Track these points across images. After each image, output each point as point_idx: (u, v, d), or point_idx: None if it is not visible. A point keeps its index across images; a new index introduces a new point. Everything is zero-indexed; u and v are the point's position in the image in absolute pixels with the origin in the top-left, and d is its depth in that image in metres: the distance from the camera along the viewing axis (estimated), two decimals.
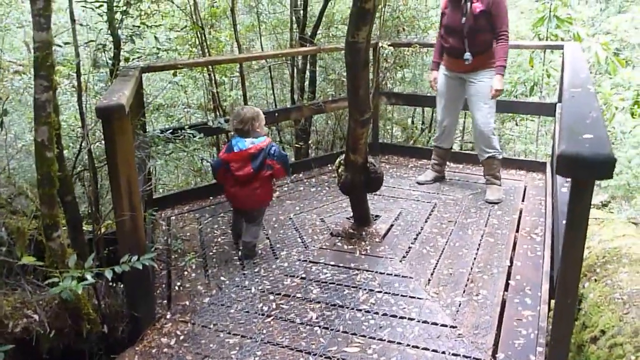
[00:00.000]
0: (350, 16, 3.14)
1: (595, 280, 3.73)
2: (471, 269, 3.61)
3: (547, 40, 6.69)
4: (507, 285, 3.43)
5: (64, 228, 3.06)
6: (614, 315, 3.14)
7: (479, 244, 3.94)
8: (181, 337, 3.02)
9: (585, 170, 1.58)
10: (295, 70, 6.41)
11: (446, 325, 3.00)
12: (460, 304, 3.21)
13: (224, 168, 3.75)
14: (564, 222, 1.92)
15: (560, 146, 1.62)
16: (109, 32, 3.75)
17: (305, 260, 3.79)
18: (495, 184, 4.80)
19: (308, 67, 6.42)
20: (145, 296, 3.11)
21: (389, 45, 5.64)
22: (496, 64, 4.49)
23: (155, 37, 4.20)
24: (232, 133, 3.93)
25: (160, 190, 6.58)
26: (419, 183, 5.18)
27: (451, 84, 4.82)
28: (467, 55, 4.51)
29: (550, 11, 6.56)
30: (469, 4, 4.43)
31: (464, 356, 2.75)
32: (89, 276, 2.36)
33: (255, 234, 3.91)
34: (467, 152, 6.28)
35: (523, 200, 4.76)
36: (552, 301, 2.97)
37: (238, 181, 3.71)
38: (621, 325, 2.96)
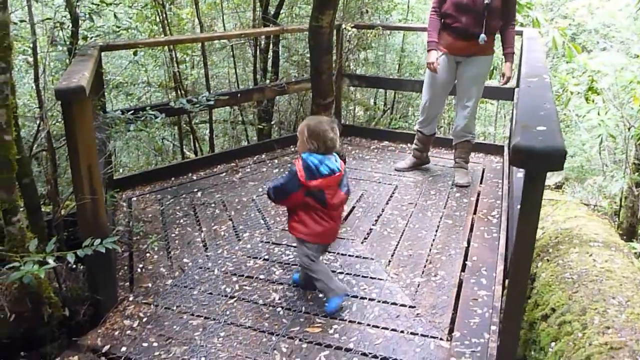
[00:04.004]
0: (314, 1, 3.15)
1: (548, 260, 3.87)
2: (430, 250, 3.72)
3: None
4: (464, 266, 3.54)
5: (22, 209, 3.01)
6: (564, 294, 3.27)
7: (438, 226, 4.05)
8: (144, 319, 3.03)
9: (537, 162, 1.65)
10: (257, 50, 6.36)
11: (405, 305, 3.09)
12: (419, 285, 3.31)
13: (301, 194, 2.93)
14: (519, 206, 2.00)
15: (514, 138, 1.69)
16: (67, 9, 3.66)
17: (268, 242, 3.82)
18: (464, 167, 4.86)
19: (271, 47, 6.37)
20: (107, 279, 3.10)
21: (352, 27, 5.64)
22: (506, 50, 4.48)
23: (115, 15, 4.12)
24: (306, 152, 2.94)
25: (121, 171, 6.49)
26: (397, 170, 5.11)
27: (448, 68, 4.62)
28: (483, 36, 4.33)
29: None
30: None
31: (421, 335, 2.85)
32: (50, 260, 2.35)
33: None
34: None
35: (481, 183, 4.89)
36: (507, 281, 3.09)
37: (329, 210, 3.00)
38: (570, 303, 3.08)
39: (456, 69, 4.63)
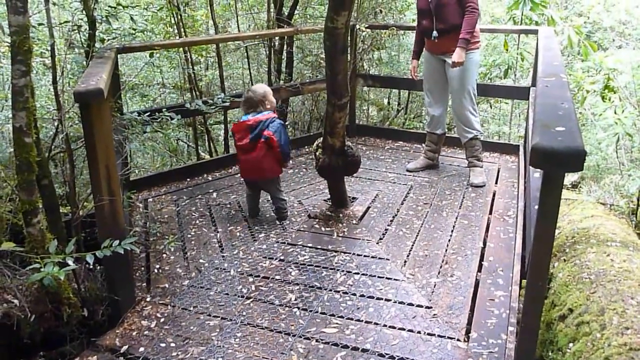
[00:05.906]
0: (330, 1, 3.15)
1: (565, 260, 3.84)
2: (446, 250, 3.70)
3: (521, 23, 6.76)
4: (480, 266, 3.52)
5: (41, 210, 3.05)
6: (581, 294, 3.24)
7: (454, 226, 4.04)
8: (161, 320, 3.05)
9: (557, 163, 1.64)
10: (272, 51, 6.38)
11: (421, 306, 3.08)
12: (435, 285, 3.30)
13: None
14: (536, 206, 1.99)
15: (533, 139, 1.68)
16: (84, 12, 3.70)
17: (284, 243, 3.84)
18: (477, 166, 4.84)
19: (285, 48, 6.39)
20: (124, 279, 3.12)
21: (366, 28, 5.64)
22: (459, 36, 4.46)
23: (131, 18, 4.15)
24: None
25: (137, 172, 6.53)
26: (408, 170, 5.12)
27: (434, 67, 4.84)
28: (434, 33, 4.57)
29: None
30: None
31: (438, 336, 2.84)
32: (70, 262, 2.37)
33: (280, 200, 4.19)
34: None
35: (496, 183, 4.86)
36: (524, 281, 3.07)
37: (242, 150, 3.95)
38: (588, 304, 3.06)
39: (444, 68, 4.79)
